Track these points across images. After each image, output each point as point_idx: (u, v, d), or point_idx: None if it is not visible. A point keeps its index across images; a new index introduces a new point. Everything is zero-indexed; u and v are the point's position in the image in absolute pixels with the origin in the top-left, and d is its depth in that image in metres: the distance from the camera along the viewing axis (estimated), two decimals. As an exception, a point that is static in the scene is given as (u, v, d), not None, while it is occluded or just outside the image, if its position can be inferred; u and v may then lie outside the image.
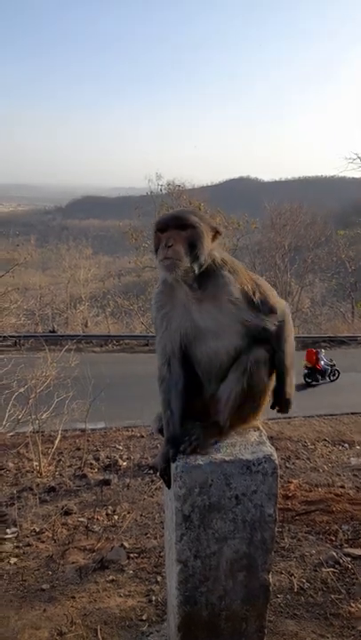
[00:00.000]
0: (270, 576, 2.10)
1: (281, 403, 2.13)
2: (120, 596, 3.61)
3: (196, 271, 1.87)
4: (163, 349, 2.03)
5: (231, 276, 1.93)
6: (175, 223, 1.85)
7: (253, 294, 1.95)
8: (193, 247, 1.84)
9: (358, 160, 23.38)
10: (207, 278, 1.91)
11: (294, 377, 2.18)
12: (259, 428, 2.17)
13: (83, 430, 7.77)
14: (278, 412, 2.17)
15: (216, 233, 1.94)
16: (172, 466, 1.96)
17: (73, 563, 4.17)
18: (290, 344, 2.08)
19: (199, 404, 2.07)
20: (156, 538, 4.69)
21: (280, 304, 2.07)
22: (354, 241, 26.29)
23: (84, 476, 6.60)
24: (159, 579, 3.82)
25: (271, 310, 2.00)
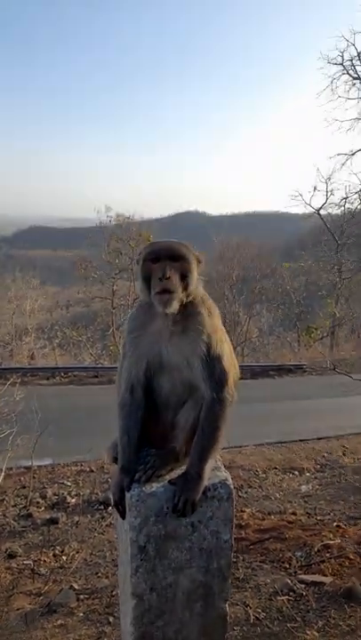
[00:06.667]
0: (227, 605, 2.06)
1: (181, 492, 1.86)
2: (70, 642, 3.42)
3: (185, 302, 1.85)
4: (128, 375, 1.98)
5: (207, 317, 1.91)
6: (168, 254, 1.82)
7: (215, 345, 1.89)
8: (184, 278, 1.83)
9: (300, 197, 24.74)
10: (185, 312, 1.88)
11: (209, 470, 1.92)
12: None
13: (28, 467, 7.40)
14: (174, 511, 1.87)
15: (199, 262, 1.92)
16: (127, 495, 1.91)
17: (18, 609, 3.92)
18: (217, 433, 1.91)
19: (156, 432, 2.04)
20: (107, 577, 4.50)
21: (230, 376, 1.92)
22: (298, 273, 27.43)
23: (30, 515, 6.26)
24: (111, 619, 3.66)
25: (220, 374, 1.89)
